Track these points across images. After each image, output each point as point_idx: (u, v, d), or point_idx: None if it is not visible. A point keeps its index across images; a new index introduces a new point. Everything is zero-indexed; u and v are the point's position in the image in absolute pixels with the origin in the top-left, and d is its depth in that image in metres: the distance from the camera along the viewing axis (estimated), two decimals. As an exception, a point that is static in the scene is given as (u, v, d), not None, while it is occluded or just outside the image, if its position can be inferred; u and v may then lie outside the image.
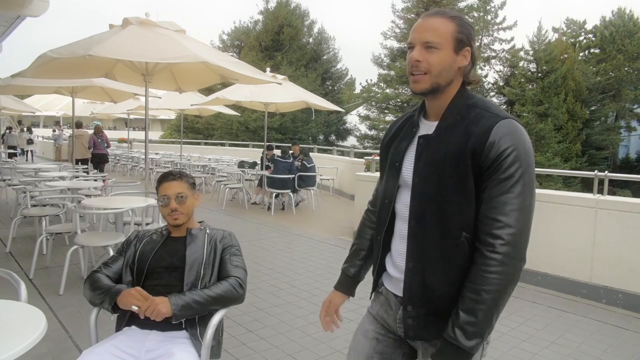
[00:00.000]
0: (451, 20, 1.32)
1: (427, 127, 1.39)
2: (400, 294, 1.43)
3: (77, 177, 7.61)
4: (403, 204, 1.42)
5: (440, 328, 1.33)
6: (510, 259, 1.22)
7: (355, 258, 1.68)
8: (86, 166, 10.55)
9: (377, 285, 1.57)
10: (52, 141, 20.88)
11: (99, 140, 11.77)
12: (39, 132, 30.78)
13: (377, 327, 1.54)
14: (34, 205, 5.99)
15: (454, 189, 1.28)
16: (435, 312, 1.35)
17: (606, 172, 5.18)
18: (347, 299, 1.69)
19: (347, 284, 1.69)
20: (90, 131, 12.23)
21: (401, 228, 1.43)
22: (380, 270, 1.54)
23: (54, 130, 21.64)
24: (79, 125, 11.77)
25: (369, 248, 1.66)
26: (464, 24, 1.33)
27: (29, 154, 22.72)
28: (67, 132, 22.84)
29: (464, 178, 1.26)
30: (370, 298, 1.63)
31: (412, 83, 1.34)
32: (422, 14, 1.39)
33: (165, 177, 2.17)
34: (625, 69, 30.22)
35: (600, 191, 5.01)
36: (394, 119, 1.64)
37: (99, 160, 11.81)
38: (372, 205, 1.72)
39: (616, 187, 21.52)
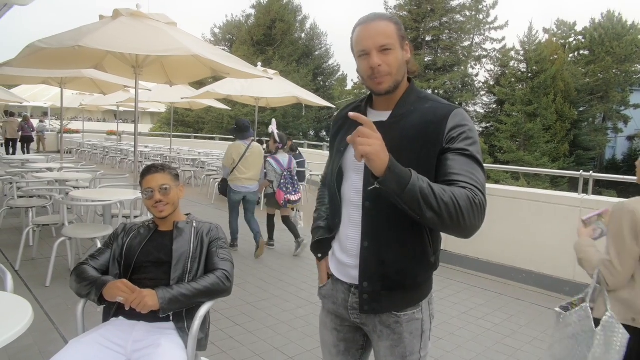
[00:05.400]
0: (390, 21, 1.44)
1: (378, 116, 1.49)
2: (348, 281, 1.52)
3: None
4: (353, 189, 1.49)
5: (392, 302, 1.45)
6: (480, 211, 1.28)
7: (320, 221, 1.68)
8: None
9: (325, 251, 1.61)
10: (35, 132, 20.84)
11: (26, 126, 17.14)
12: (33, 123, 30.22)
13: (333, 319, 1.64)
14: (21, 197, 5.93)
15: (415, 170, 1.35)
16: (389, 287, 1.45)
17: (591, 172, 5.27)
18: None
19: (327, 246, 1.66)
20: (20, 119, 17.46)
21: (352, 213, 1.49)
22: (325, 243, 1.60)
23: (40, 121, 21.45)
24: (11, 114, 17.20)
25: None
26: (399, 22, 1.46)
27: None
28: (53, 123, 22.73)
29: (424, 160, 1.37)
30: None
31: (376, 86, 1.43)
32: (360, 22, 1.45)
33: (148, 170, 2.17)
34: (614, 71, 30.61)
35: (585, 191, 5.09)
36: None
37: (26, 140, 17.23)
38: (322, 184, 1.79)
39: (602, 188, 21.82)
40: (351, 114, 1.30)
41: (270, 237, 6.09)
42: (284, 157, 5.93)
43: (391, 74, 1.41)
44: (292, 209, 6.07)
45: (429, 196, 1.23)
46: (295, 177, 5.99)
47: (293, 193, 5.81)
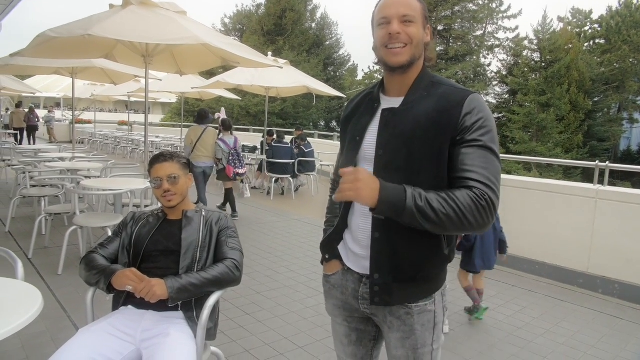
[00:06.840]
0: None
1: (390, 102, 1.45)
2: (360, 271, 1.49)
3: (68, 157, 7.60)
4: None
5: (403, 294, 1.42)
6: (487, 211, 1.26)
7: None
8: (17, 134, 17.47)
9: (334, 253, 1.59)
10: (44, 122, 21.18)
11: (32, 116, 18.35)
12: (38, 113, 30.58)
13: (341, 312, 1.62)
14: (34, 186, 5.98)
15: (426, 159, 1.34)
16: (401, 280, 1.42)
17: (607, 162, 5.17)
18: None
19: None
20: (26, 110, 18.61)
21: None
22: (336, 242, 1.57)
23: (49, 111, 21.71)
24: (18, 105, 18.79)
25: None
26: (424, 3, 1.43)
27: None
28: (66, 114, 22.96)
29: (438, 148, 1.33)
30: (322, 263, 1.66)
31: (392, 57, 1.37)
32: None
33: (156, 159, 2.14)
34: (630, 60, 29.96)
35: (601, 182, 5.00)
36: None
37: (31, 129, 18.37)
38: (336, 176, 1.73)
39: (617, 179, 21.50)
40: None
41: (233, 210, 7.08)
42: (229, 138, 7.12)
43: (410, 44, 1.36)
44: (242, 181, 7.32)
45: (428, 213, 1.24)
46: (241, 154, 7.26)
47: (240, 167, 7.07)
